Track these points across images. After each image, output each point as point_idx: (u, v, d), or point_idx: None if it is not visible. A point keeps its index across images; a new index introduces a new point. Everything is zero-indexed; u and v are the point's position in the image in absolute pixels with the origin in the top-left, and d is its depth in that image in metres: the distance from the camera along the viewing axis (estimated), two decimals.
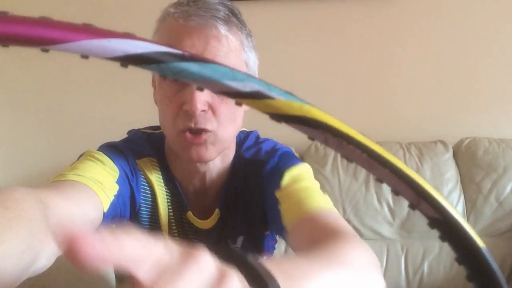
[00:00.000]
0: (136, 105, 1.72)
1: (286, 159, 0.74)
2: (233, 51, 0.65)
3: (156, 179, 0.74)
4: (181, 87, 0.64)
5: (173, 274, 0.23)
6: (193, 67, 0.27)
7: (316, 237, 0.56)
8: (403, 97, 1.68)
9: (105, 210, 0.60)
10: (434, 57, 1.66)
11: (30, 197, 0.45)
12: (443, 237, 0.32)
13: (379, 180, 0.31)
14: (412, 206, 0.32)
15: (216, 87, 0.26)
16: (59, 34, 0.26)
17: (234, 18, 0.66)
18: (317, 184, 0.71)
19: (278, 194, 0.69)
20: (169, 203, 0.75)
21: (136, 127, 0.84)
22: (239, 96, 0.28)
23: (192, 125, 0.63)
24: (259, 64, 0.75)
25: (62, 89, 1.75)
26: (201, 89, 0.25)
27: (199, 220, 0.75)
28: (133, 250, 0.22)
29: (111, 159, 0.68)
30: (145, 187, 0.73)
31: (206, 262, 0.25)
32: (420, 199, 0.32)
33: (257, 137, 0.83)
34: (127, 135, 0.79)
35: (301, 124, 0.32)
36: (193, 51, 0.62)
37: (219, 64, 0.25)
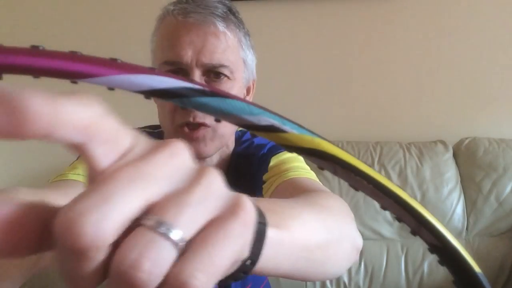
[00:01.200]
0: (136, 104, 1.72)
1: (276, 148, 0.74)
2: (231, 48, 0.66)
3: None
4: None
5: (140, 161, 0.20)
6: (213, 102, 0.29)
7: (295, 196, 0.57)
8: (403, 97, 1.68)
9: None
10: (434, 57, 1.66)
11: (33, 198, 0.44)
12: (441, 262, 0.35)
13: (383, 207, 0.34)
14: (414, 233, 0.35)
15: (234, 120, 0.29)
16: (88, 69, 0.28)
17: (232, 16, 0.67)
18: (306, 166, 0.71)
19: (265, 176, 0.71)
20: None
21: (135, 127, 0.84)
22: (255, 129, 0.31)
23: (191, 119, 0.64)
24: (258, 63, 0.76)
25: (63, 89, 1.75)
26: (218, 120, 0.27)
27: None
28: (88, 117, 0.19)
29: None
30: None
31: (182, 154, 0.22)
32: (421, 227, 0.35)
33: (253, 133, 0.83)
34: None
35: (312, 156, 0.34)
36: (192, 47, 0.62)
37: (238, 99, 0.27)
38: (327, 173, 1.49)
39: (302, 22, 1.66)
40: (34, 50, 0.26)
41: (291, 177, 0.66)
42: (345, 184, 1.48)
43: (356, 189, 0.34)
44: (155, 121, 0.87)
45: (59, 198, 0.50)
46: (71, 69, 0.28)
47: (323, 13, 1.66)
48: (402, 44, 1.66)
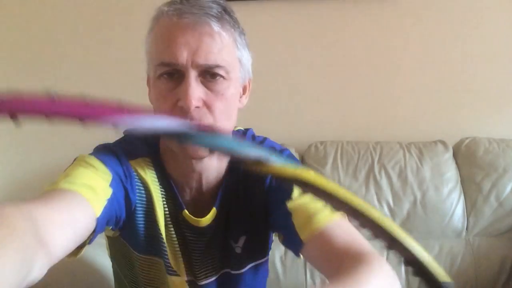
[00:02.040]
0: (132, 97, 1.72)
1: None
2: (226, 47, 0.66)
3: (151, 178, 0.74)
4: (176, 85, 0.64)
5: None
6: (207, 139, 0.35)
7: (332, 257, 0.62)
8: (403, 97, 1.68)
9: (98, 215, 0.60)
10: (434, 57, 1.66)
11: (20, 213, 0.45)
12: (415, 273, 0.43)
13: (361, 226, 0.41)
14: (388, 248, 0.41)
15: (226, 154, 0.34)
16: (96, 113, 0.34)
17: (227, 16, 0.67)
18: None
19: (290, 205, 0.71)
20: (165, 202, 0.75)
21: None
22: (245, 161, 0.36)
23: (188, 121, 0.63)
24: (255, 63, 0.75)
25: (62, 88, 1.75)
26: (212, 152, 0.31)
27: (195, 218, 0.75)
28: None
29: (103, 163, 0.67)
30: (140, 187, 0.73)
31: None
32: (394, 243, 0.41)
33: (253, 136, 0.83)
34: (123, 135, 0.79)
35: (295, 183, 0.40)
36: (187, 48, 0.62)
37: (229, 136, 0.32)
38: (327, 173, 1.49)
39: (301, 22, 1.66)
40: (49, 99, 0.32)
41: (321, 228, 0.66)
42: (345, 184, 1.48)
43: (337, 209, 0.41)
44: None
45: (50, 213, 0.51)
46: (82, 114, 0.34)
47: (322, 13, 1.66)
48: (402, 44, 1.66)
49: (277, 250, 1.47)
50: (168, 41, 0.64)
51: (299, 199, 0.71)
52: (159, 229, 0.74)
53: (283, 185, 0.73)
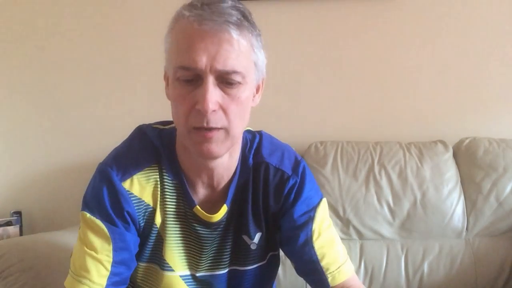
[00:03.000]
0: (137, 103, 1.72)
1: (311, 186, 0.84)
2: (243, 53, 0.68)
3: (153, 187, 0.78)
4: (194, 88, 0.67)
5: None
6: None
7: None
8: (403, 97, 1.68)
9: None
10: (434, 57, 1.66)
11: None
12: None
13: None
14: None
15: None
16: None
17: (245, 22, 0.69)
18: (330, 221, 0.86)
19: (314, 226, 0.82)
20: (176, 198, 0.79)
21: (135, 125, 0.85)
22: None
23: (204, 124, 0.66)
24: (267, 63, 0.77)
25: (62, 88, 1.75)
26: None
27: (206, 214, 0.79)
28: None
29: (102, 222, 0.73)
30: (139, 203, 0.77)
31: None
32: None
33: (271, 138, 0.88)
34: (135, 131, 0.82)
35: None
36: (206, 54, 0.65)
37: None
38: (327, 173, 1.49)
39: (302, 22, 1.67)
40: None
41: (346, 277, 0.83)
42: (345, 184, 1.48)
43: None
44: (159, 118, 0.88)
45: None
46: None
47: (323, 14, 1.66)
48: (402, 44, 1.66)
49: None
50: (188, 46, 0.66)
51: (319, 225, 0.82)
52: (155, 225, 0.79)
53: (304, 201, 0.82)
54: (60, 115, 1.75)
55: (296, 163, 0.84)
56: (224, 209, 0.79)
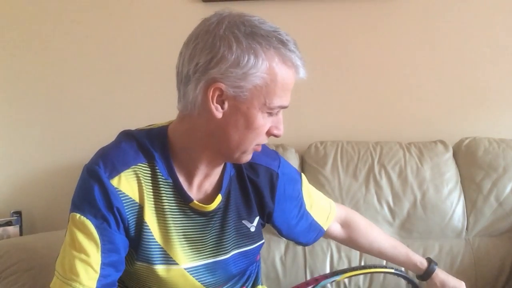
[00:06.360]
0: (138, 104, 1.72)
1: (289, 165, 1.01)
2: None
3: (144, 183, 0.78)
4: (275, 117, 0.79)
5: None
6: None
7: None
8: (404, 97, 1.68)
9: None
10: (435, 57, 1.66)
11: None
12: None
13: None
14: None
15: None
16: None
17: None
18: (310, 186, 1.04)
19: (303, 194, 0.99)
20: (172, 195, 0.80)
21: (134, 125, 0.86)
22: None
23: (267, 140, 0.81)
24: None
25: (62, 88, 1.75)
26: None
27: (203, 205, 0.82)
28: None
29: (91, 223, 0.74)
30: (128, 200, 0.77)
31: None
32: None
33: None
34: (120, 134, 0.83)
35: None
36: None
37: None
38: (327, 173, 1.49)
39: (302, 22, 1.67)
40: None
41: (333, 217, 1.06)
42: (345, 184, 1.48)
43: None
44: (160, 118, 0.88)
45: None
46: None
47: (323, 14, 1.66)
48: (402, 44, 1.66)
49: (277, 250, 1.47)
50: (288, 90, 0.80)
51: (305, 189, 0.99)
52: (145, 223, 0.79)
53: (290, 179, 0.96)
54: (60, 115, 1.75)
55: (274, 152, 0.99)
56: (218, 199, 0.83)
